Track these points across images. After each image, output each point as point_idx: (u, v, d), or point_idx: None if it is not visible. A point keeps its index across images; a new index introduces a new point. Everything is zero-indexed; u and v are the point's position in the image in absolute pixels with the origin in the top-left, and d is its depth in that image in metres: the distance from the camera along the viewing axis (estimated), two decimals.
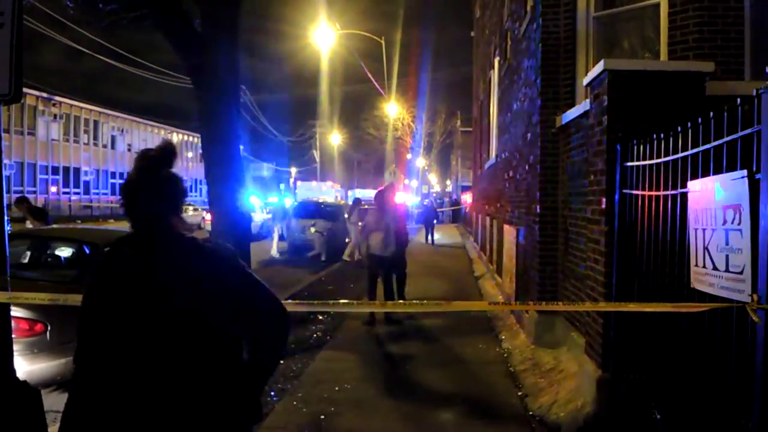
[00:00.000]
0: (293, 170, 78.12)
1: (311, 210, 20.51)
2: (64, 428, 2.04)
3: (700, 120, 3.26)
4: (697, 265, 3.22)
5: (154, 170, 2.12)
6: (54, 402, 5.50)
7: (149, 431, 1.96)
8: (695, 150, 3.31)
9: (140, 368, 1.96)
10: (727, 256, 2.89)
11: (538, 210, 7.36)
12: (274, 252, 19.23)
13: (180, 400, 1.97)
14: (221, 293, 2.06)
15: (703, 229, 3.14)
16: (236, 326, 2.12)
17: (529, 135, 8.10)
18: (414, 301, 4.29)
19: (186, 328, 1.99)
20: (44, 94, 43.95)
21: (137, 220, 2.12)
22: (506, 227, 10.64)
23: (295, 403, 5.66)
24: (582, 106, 5.87)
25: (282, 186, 69.59)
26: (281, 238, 20.12)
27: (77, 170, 49.37)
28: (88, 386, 2.03)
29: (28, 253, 7.09)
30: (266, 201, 31.40)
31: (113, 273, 2.09)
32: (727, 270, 2.90)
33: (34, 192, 43.55)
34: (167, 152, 2.16)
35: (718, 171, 3.04)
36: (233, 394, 2.08)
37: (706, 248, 3.11)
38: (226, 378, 2.07)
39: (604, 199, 4.90)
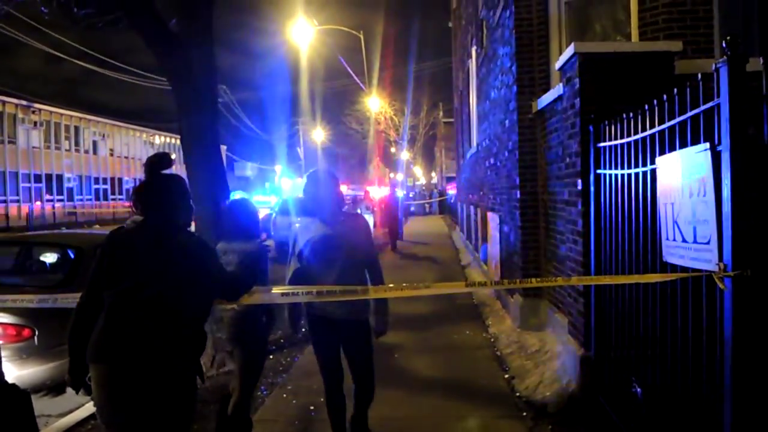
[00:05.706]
0: (278, 168, 77.75)
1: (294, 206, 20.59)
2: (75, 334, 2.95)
3: (665, 97, 3.33)
4: (668, 239, 3.30)
5: (155, 169, 3.06)
6: (44, 407, 5.51)
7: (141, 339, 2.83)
8: (662, 127, 3.38)
9: (147, 302, 2.87)
10: (694, 228, 2.97)
11: (519, 195, 7.43)
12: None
13: (168, 330, 2.89)
14: (202, 268, 3.06)
15: (672, 203, 3.22)
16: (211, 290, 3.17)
17: (507, 122, 8.16)
18: (390, 285, 4.35)
19: (181, 286, 2.96)
20: (24, 102, 43.46)
21: (148, 212, 3.02)
22: (489, 214, 10.73)
23: (284, 395, 5.72)
24: (556, 90, 5.94)
25: (267, 185, 69.33)
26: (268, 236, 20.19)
27: (60, 177, 48.83)
28: (94, 308, 2.92)
29: (12, 260, 7.08)
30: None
31: (131, 242, 2.99)
32: (695, 241, 2.98)
33: (18, 201, 43.14)
34: (162, 156, 3.11)
35: (684, 146, 3.12)
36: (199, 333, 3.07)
37: (675, 221, 3.19)
38: (198, 322, 3.08)
39: (579, 181, 4.98)
